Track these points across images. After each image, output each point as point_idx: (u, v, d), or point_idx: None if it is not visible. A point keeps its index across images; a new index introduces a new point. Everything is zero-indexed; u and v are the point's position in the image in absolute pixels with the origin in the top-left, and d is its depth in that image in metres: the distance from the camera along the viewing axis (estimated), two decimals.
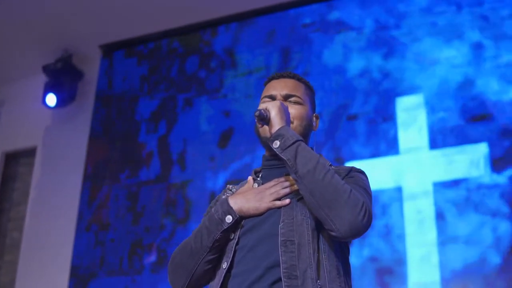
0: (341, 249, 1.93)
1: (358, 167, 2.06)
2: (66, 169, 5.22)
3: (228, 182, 4.51)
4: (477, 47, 4.20)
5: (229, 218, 1.92)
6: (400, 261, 3.89)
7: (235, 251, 1.91)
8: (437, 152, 4.06)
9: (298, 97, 2.08)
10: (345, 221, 1.79)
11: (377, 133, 4.25)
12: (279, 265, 1.81)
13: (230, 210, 1.93)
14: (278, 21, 4.91)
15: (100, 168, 5.05)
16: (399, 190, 4.04)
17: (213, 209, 1.98)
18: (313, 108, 2.15)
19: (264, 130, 2.01)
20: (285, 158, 1.87)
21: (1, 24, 5.13)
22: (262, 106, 1.98)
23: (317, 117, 2.15)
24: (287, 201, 1.92)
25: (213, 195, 4.55)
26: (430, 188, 3.98)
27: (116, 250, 4.71)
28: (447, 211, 3.90)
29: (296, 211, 1.90)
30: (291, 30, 4.83)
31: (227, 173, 4.59)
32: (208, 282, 1.99)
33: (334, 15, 4.71)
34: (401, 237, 3.93)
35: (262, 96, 2.13)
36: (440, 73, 4.23)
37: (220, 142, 4.72)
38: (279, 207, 1.92)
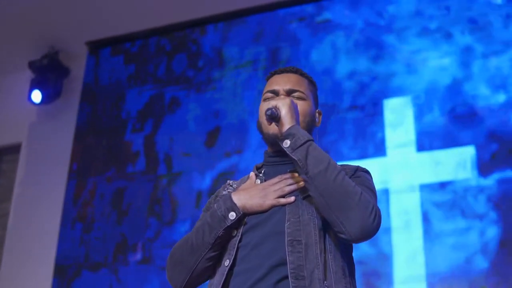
0: (346, 250, 1.92)
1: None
2: (51, 166, 5.18)
3: (215, 181, 4.50)
4: (466, 51, 4.21)
5: (232, 215, 1.89)
6: (386, 263, 3.89)
7: (237, 249, 1.87)
8: (424, 155, 4.07)
9: (302, 92, 2.05)
10: (356, 223, 1.78)
11: (364, 135, 4.25)
12: (284, 264, 1.79)
13: (233, 207, 1.90)
14: (267, 21, 4.89)
15: (85, 166, 5.01)
16: (386, 192, 4.03)
17: (215, 205, 1.95)
18: (316, 104, 2.12)
19: (268, 127, 1.98)
20: (295, 158, 1.85)
21: None
22: (272, 103, 1.94)
23: (319, 113, 2.12)
24: (292, 198, 1.90)
25: (200, 195, 4.53)
26: (417, 190, 3.98)
27: (101, 248, 4.68)
28: (433, 214, 3.90)
29: (302, 209, 1.87)
30: (279, 30, 4.81)
31: (214, 173, 4.57)
32: (207, 279, 1.96)
33: (323, 16, 4.70)
34: (388, 239, 3.93)
35: (264, 91, 2.10)
36: (428, 76, 4.24)
37: (207, 141, 4.69)
38: (284, 205, 1.89)
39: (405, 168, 4.06)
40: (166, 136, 4.84)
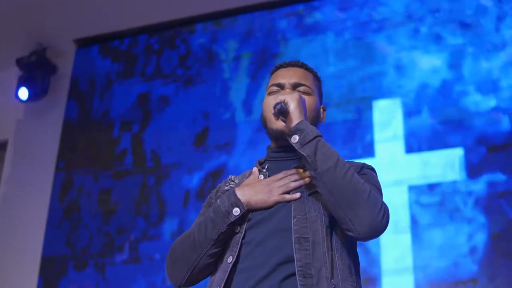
0: (352, 248, 1.89)
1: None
2: (37, 164, 5.14)
3: (204, 181, 4.48)
4: (457, 54, 4.21)
5: (236, 211, 1.85)
6: (374, 266, 3.88)
7: (241, 245, 1.83)
8: (413, 156, 4.06)
9: (307, 86, 2.02)
10: (365, 221, 1.75)
11: (353, 135, 4.25)
12: (289, 262, 1.75)
13: (238, 202, 1.86)
14: (256, 20, 4.88)
15: (72, 164, 4.97)
16: None
17: (218, 201, 1.90)
18: (320, 99, 2.09)
19: (273, 122, 1.95)
20: (304, 154, 1.81)
21: None
22: (280, 98, 1.90)
23: (324, 109, 2.10)
24: (298, 195, 1.86)
25: (188, 194, 4.51)
26: (405, 192, 3.97)
27: (88, 247, 4.64)
28: (421, 215, 3.89)
29: (308, 206, 1.84)
30: (269, 30, 4.80)
31: (202, 172, 4.55)
32: (208, 276, 1.92)
33: (313, 16, 4.69)
34: (376, 240, 3.91)
35: (269, 85, 2.06)
36: (418, 78, 4.24)
37: (195, 140, 4.67)
38: (289, 201, 1.86)
39: (394, 169, 4.06)
40: (154, 135, 4.82)
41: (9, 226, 5.02)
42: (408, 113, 4.17)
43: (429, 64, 4.24)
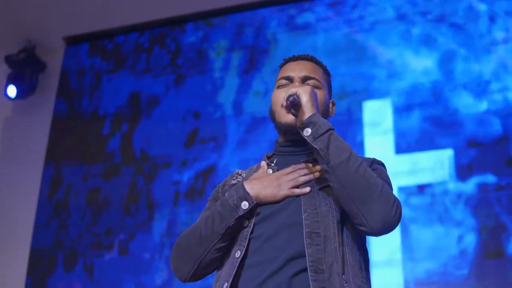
0: (362, 243, 1.86)
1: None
2: (26, 162, 5.11)
3: (194, 180, 4.47)
4: (449, 56, 4.22)
5: (245, 205, 1.82)
6: None
7: (249, 240, 1.80)
8: (403, 157, 4.07)
9: (317, 80, 2.00)
10: (378, 216, 1.72)
11: (343, 136, 4.19)
12: (300, 257, 1.73)
13: (246, 196, 1.83)
14: (247, 20, 4.88)
15: (61, 162, 4.95)
16: None
17: (226, 194, 1.87)
18: (330, 94, 2.07)
19: (282, 115, 1.93)
20: (317, 147, 1.79)
21: None
22: (292, 90, 1.87)
23: (333, 104, 2.08)
24: (308, 189, 1.84)
25: (177, 194, 4.50)
26: (395, 192, 3.97)
27: (76, 246, 4.63)
28: (411, 217, 3.90)
29: (318, 200, 1.81)
30: (259, 30, 4.80)
31: (192, 171, 4.54)
32: (214, 271, 1.89)
33: (304, 17, 4.69)
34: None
35: (278, 78, 2.03)
36: (409, 79, 4.25)
37: (185, 140, 4.66)
38: (298, 195, 1.83)
39: None
40: (144, 133, 4.80)
41: None
42: (398, 114, 4.18)
43: (420, 65, 4.26)
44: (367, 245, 1.91)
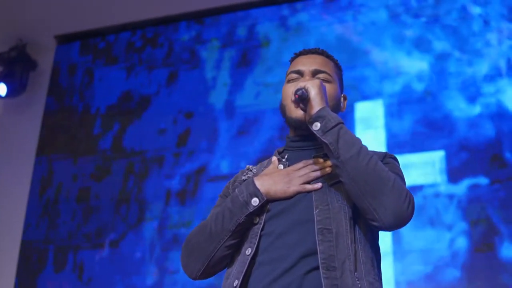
0: (373, 240, 1.83)
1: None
2: (16, 160, 5.09)
3: (186, 180, 4.46)
4: (442, 59, 4.22)
5: (255, 201, 1.79)
6: None
7: (260, 237, 1.77)
8: None
9: (328, 74, 1.97)
10: (390, 211, 1.69)
11: None
12: (313, 254, 1.70)
13: (257, 192, 1.79)
14: (239, 20, 4.87)
15: (51, 162, 4.93)
16: None
17: (236, 190, 1.84)
18: (341, 88, 2.04)
19: (292, 110, 1.89)
20: (326, 142, 1.75)
21: None
22: (300, 84, 1.84)
23: (345, 98, 2.04)
24: (319, 185, 1.80)
25: (169, 194, 4.48)
26: None
27: (66, 246, 4.60)
28: None
29: (330, 197, 1.78)
30: (251, 30, 4.79)
31: (183, 172, 4.53)
32: (224, 268, 1.86)
33: (296, 18, 4.69)
34: None
35: (288, 72, 2.01)
36: (401, 81, 4.25)
37: (176, 140, 4.65)
38: (310, 191, 1.80)
39: None
40: (135, 134, 4.79)
41: None
42: (390, 116, 4.18)
43: (412, 67, 4.26)
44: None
